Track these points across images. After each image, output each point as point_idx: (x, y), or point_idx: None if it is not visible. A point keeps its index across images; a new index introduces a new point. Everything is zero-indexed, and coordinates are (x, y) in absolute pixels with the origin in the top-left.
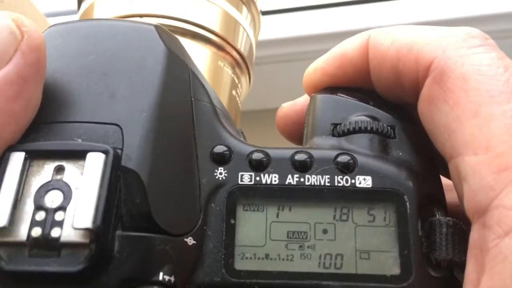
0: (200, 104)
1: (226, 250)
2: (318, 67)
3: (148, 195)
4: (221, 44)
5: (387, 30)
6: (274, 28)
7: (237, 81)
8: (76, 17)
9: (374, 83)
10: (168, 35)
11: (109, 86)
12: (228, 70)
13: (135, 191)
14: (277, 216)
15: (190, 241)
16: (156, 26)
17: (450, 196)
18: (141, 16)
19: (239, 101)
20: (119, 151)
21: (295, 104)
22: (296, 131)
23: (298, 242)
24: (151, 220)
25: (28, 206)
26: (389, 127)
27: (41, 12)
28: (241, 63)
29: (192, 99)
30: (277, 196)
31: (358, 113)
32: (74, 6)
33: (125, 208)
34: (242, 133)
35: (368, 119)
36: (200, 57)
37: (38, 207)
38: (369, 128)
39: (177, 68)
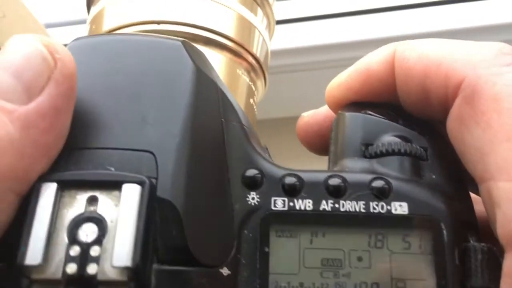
0: (230, 124)
1: (261, 279)
2: (342, 82)
3: (185, 226)
4: (237, 50)
5: (413, 43)
6: (290, 37)
7: (253, 88)
8: (86, 21)
9: (400, 99)
10: (194, 51)
11: (139, 109)
12: (245, 78)
13: (171, 223)
14: (311, 242)
15: (225, 271)
16: (183, 42)
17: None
18: (158, 23)
19: (255, 109)
20: (153, 180)
21: (316, 114)
22: (318, 142)
23: (333, 270)
24: (188, 252)
25: (62, 240)
26: (421, 149)
27: (41, 24)
28: (256, 67)
29: (222, 119)
30: (311, 222)
31: (390, 133)
32: (74, 17)
33: (161, 241)
34: (267, 149)
35: (400, 141)
36: (216, 65)
37: (72, 241)
38: (402, 151)
39: (207, 87)
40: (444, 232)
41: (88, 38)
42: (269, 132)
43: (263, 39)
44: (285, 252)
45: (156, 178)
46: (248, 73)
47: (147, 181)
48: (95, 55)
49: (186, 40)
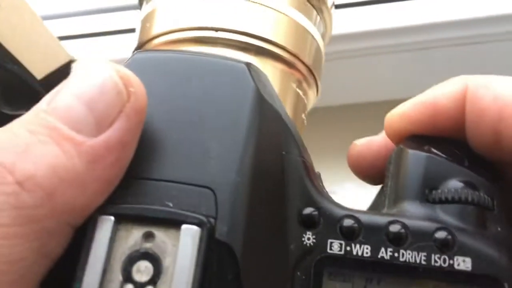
0: (291, 158)
1: None
2: (404, 113)
3: (241, 271)
4: (291, 61)
5: (487, 80)
6: (345, 22)
7: (306, 100)
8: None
9: (469, 139)
10: (258, 75)
11: (201, 140)
12: (299, 91)
13: (227, 267)
14: None
15: None
16: (247, 65)
17: None
18: (216, 30)
19: (305, 123)
20: (212, 220)
21: (370, 144)
22: (371, 172)
23: None
24: None
25: (116, 277)
26: (488, 198)
27: (39, 16)
28: (308, 77)
29: (283, 152)
30: (367, 269)
31: (456, 178)
32: (71, 9)
33: (215, 284)
34: (319, 176)
35: (467, 188)
36: (270, 77)
37: (126, 279)
38: (469, 200)
39: (270, 118)
40: None
41: (152, 54)
42: (321, 120)
43: (318, 46)
44: None
45: (215, 218)
46: (300, 83)
47: (206, 222)
48: (158, 74)
49: (250, 63)
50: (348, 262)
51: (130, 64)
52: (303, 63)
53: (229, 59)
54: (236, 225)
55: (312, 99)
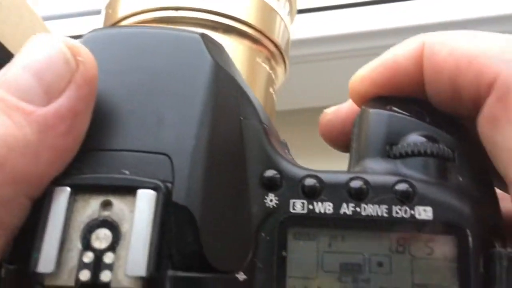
0: (249, 123)
1: (277, 283)
2: (366, 76)
3: (200, 233)
4: (257, 38)
5: (443, 36)
6: (312, 27)
7: (273, 76)
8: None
9: (429, 95)
10: (214, 45)
11: (156, 109)
12: (265, 66)
13: (186, 230)
14: (329, 246)
15: (241, 276)
16: (202, 36)
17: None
18: (176, 9)
19: (275, 98)
20: (169, 184)
21: (339, 111)
22: (342, 139)
23: (352, 274)
24: (203, 259)
25: (75, 246)
26: (448, 150)
27: (38, 15)
28: (277, 54)
29: (241, 117)
30: (330, 226)
31: (416, 133)
32: (72, 9)
33: (175, 247)
34: (286, 144)
35: (427, 141)
36: (235, 53)
37: (86, 247)
38: (428, 152)
39: (226, 85)
40: (470, 239)
41: (105, 30)
42: (289, 124)
43: (285, 25)
44: (303, 256)
45: (172, 183)
46: (269, 60)
47: (162, 186)
48: (112, 49)
49: (205, 34)
50: (311, 221)
51: (84, 40)
52: (270, 40)
53: (183, 31)
54: (193, 188)
55: (280, 76)
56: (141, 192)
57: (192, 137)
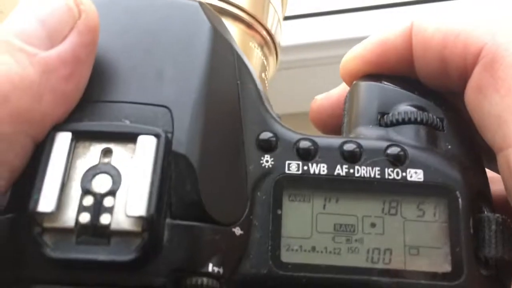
0: (246, 87)
1: (273, 241)
2: (357, 55)
3: (199, 182)
4: (250, 22)
5: (431, 16)
6: (302, 33)
7: (265, 63)
8: None
9: (418, 72)
10: (211, 13)
11: (156, 65)
12: (258, 51)
13: (185, 178)
14: (324, 207)
15: (238, 231)
16: (200, 3)
17: (493, 189)
18: None
19: (267, 84)
20: (169, 135)
21: (329, 96)
22: (332, 124)
23: (346, 235)
24: (201, 208)
25: (75, 190)
26: (437, 119)
27: None
28: (269, 42)
29: (238, 81)
30: (324, 187)
31: (406, 103)
32: None
33: (174, 196)
34: (280, 118)
35: (416, 110)
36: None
37: (86, 191)
38: (418, 119)
39: (223, 48)
40: (460, 200)
41: None
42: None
43: (276, 13)
44: (298, 216)
45: (172, 133)
46: (261, 47)
47: (163, 134)
48: (111, 12)
49: (204, 2)
50: (306, 181)
51: None
52: (264, 27)
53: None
54: (193, 139)
55: (272, 66)
56: (141, 138)
57: (192, 91)
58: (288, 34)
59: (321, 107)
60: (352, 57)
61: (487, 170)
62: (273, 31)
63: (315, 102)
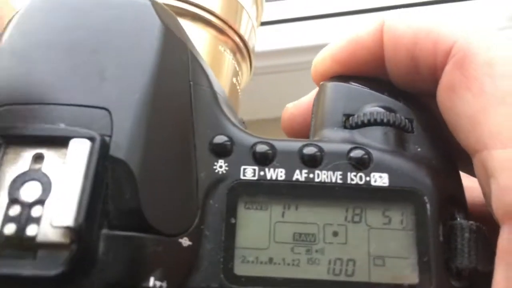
0: (200, 88)
1: (226, 252)
2: (327, 54)
3: (139, 189)
4: (222, 27)
5: (403, 14)
6: (277, 38)
7: (237, 68)
8: None
9: (389, 71)
10: (165, 12)
11: (99, 65)
12: (229, 56)
13: (124, 185)
14: (283, 215)
15: (185, 242)
16: (152, 1)
17: (470, 195)
18: None
19: (239, 90)
20: (107, 138)
21: (300, 104)
22: (305, 132)
23: (305, 245)
24: (142, 218)
25: (2, 199)
26: (406, 120)
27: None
28: (242, 49)
29: (191, 82)
30: (283, 194)
31: (373, 104)
32: None
33: (112, 204)
34: (244, 123)
35: (383, 110)
36: (199, 40)
37: (13, 200)
38: (385, 121)
39: (175, 47)
40: (428, 206)
41: None
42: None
43: (250, 20)
44: (254, 225)
45: (110, 136)
46: (234, 53)
47: (97, 137)
48: (58, 9)
49: (156, 1)
50: (262, 187)
51: (30, 3)
52: (236, 32)
53: None
54: (133, 143)
55: (245, 72)
56: (74, 141)
57: (134, 92)
58: (262, 40)
59: (292, 116)
60: (323, 57)
61: (466, 175)
62: (246, 37)
63: (286, 111)
